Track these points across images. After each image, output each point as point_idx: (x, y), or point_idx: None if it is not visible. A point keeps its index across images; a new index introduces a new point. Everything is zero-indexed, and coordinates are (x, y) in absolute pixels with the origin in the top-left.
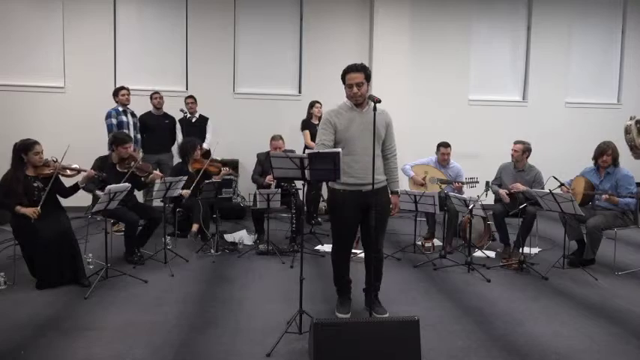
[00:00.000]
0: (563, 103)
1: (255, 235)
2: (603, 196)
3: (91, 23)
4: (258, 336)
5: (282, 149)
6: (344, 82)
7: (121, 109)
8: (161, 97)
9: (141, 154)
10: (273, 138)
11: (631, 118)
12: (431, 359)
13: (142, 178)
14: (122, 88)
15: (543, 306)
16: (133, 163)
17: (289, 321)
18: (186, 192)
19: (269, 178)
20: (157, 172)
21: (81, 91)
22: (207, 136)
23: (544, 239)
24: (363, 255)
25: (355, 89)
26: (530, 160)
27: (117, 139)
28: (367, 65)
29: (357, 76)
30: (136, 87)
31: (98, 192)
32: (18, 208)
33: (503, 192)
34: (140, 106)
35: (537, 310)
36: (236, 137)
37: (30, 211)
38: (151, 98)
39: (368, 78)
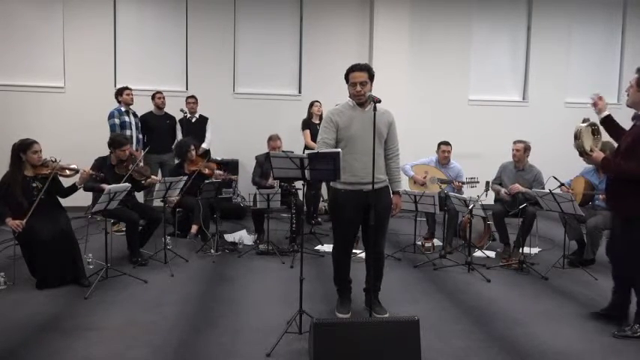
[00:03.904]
0: (563, 103)
1: (255, 235)
2: None
3: (91, 23)
4: (258, 336)
5: (280, 148)
6: (347, 81)
7: (123, 109)
8: (164, 97)
9: (142, 154)
10: (271, 138)
11: (584, 121)
12: (431, 359)
13: (142, 182)
14: (126, 88)
15: (543, 306)
16: (131, 165)
17: (289, 321)
18: (171, 199)
19: (271, 180)
20: (155, 177)
21: (81, 91)
22: (207, 135)
23: (544, 239)
24: (363, 255)
25: (359, 87)
26: (531, 160)
27: (114, 141)
28: None
29: (361, 74)
30: (136, 87)
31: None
32: (7, 220)
33: (504, 191)
34: (140, 106)
35: (537, 310)
36: (236, 137)
37: (14, 225)
38: (154, 98)
39: (371, 78)
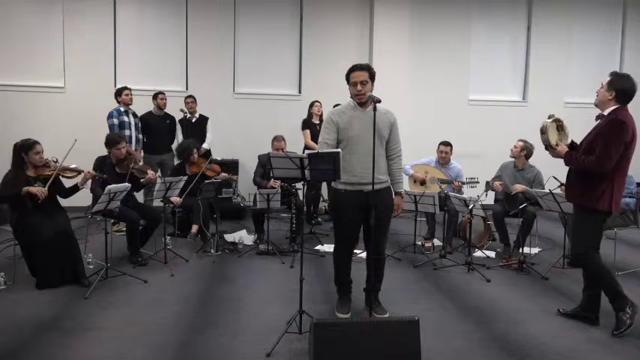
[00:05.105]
0: (563, 103)
1: (255, 235)
2: None
3: (91, 23)
4: (258, 336)
5: (283, 150)
6: (348, 81)
7: (122, 109)
8: (166, 98)
9: (142, 154)
10: (275, 138)
11: (549, 117)
12: (431, 359)
13: (141, 180)
14: (125, 88)
15: (543, 306)
16: (132, 164)
17: (289, 321)
18: (175, 199)
19: (273, 182)
20: (152, 173)
21: (81, 91)
22: (208, 135)
23: (544, 239)
24: (363, 255)
25: (359, 87)
26: (531, 161)
27: (109, 140)
28: None
29: (361, 74)
30: (136, 87)
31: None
32: (25, 188)
33: (497, 183)
34: (140, 106)
35: (537, 310)
36: (236, 137)
37: (39, 191)
38: (156, 98)
39: (372, 77)
